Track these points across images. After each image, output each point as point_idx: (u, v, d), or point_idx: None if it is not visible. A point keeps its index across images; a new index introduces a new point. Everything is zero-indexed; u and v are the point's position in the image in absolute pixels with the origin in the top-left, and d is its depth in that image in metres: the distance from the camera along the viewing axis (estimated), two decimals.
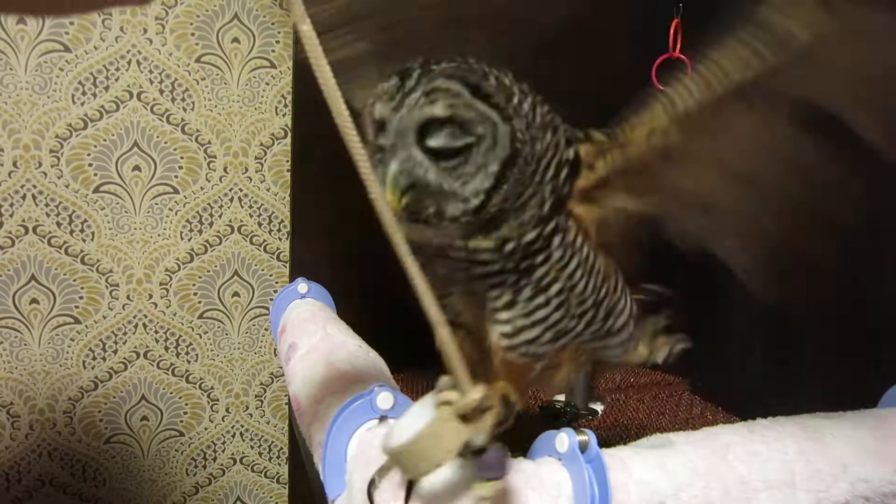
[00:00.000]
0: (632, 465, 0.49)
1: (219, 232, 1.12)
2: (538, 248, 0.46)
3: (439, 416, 0.38)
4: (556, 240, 0.46)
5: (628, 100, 1.18)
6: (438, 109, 0.41)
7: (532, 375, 0.53)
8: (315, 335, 0.81)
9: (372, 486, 0.45)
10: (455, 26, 1.08)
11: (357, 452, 0.52)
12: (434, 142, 0.42)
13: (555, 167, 0.45)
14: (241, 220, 1.12)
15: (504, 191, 0.43)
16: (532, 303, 0.48)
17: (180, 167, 1.08)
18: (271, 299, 1.15)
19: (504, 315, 0.49)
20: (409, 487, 0.43)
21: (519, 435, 0.85)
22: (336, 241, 1.05)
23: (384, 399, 0.50)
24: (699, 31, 1.07)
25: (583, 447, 0.46)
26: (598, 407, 0.99)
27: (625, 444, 0.55)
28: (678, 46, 1.09)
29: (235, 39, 1.07)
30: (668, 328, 0.65)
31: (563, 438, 0.47)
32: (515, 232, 0.45)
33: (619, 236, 0.50)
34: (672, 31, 1.08)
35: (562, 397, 1.00)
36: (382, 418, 0.52)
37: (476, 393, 0.38)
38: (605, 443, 0.49)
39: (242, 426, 1.18)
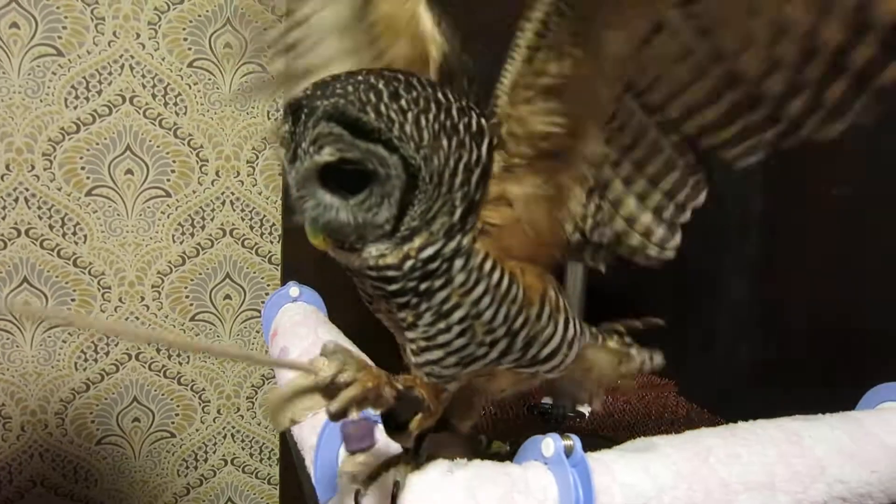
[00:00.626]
0: (616, 468, 0.50)
1: (210, 235, 1.12)
2: (438, 270, 0.45)
3: (298, 381, 0.39)
4: (458, 262, 0.45)
5: None
6: (327, 156, 0.41)
7: (445, 395, 0.51)
8: (307, 339, 0.82)
9: (359, 494, 0.46)
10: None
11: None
12: (334, 183, 0.43)
13: (463, 171, 0.44)
14: (233, 224, 1.13)
15: (412, 211, 0.44)
16: (433, 327, 0.47)
17: (172, 171, 1.09)
18: (262, 302, 1.16)
19: (409, 335, 0.48)
20: (394, 495, 0.44)
21: (509, 436, 0.86)
22: None
23: None
24: None
25: (568, 451, 0.47)
26: (586, 409, 1.01)
27: (611, 447, 0.57)
28: None
29: (227, 45, 1.08)
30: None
31: (549, 443, 0.48)
32: (418, 244, 0.44)
33: (544, 243, 0.48)
34: None
35: (550, 399, 1.02)
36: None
37: (327, 371, 0.39)
38: (591, 445, 0.51)
39: (234, 427, 1.19)
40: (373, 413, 0.42)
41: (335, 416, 0.39)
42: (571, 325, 0.51)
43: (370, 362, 0.42)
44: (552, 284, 0.50)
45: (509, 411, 0.98)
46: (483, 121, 0.46)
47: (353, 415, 0.40)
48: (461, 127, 0.44)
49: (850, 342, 0.84)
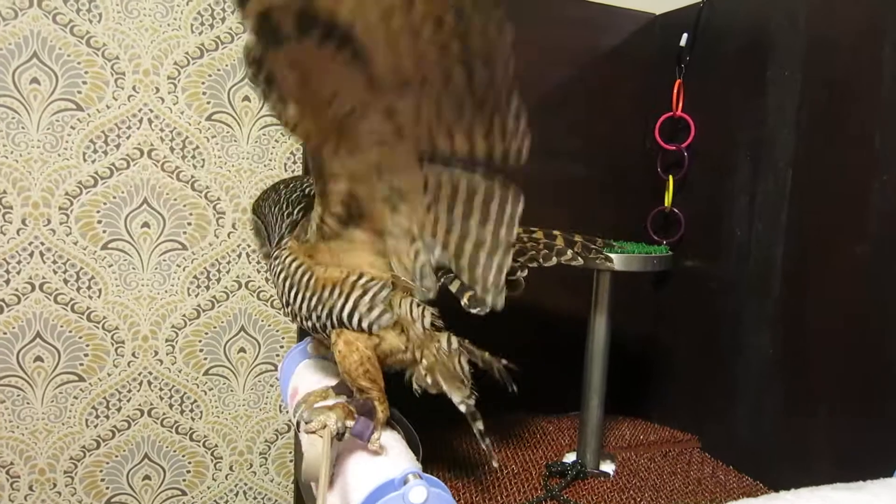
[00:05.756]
0: None
1: (226, 288, 1.11)
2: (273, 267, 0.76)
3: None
4: (275, 261, 0.75)
5: (629, 157, 1.19)
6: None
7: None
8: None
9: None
10: None
11: None
12: None
13: (277, 225, 0.79)
14: (249, 276, 1.12)
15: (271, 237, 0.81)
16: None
17: (189, 224, 1.08)
18: (277, 355, 1.15)
19: None
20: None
21: (529, 495, 0.84)
22: None
23: (417, 494, 0.50)
24: (700, 92, 1.09)
25: None
26: (610, 468, 0.98)
27: None
28: (680, 106, 1.11)
29: (246, 98, 1.08)
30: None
31: None
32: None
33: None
34: (675, 91, 1.10)
35: (572, 457, 0.99)
36: None
37: (332, 427, 0.61)
38: None
39: (246, 485, 1.16)
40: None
41: (340, 435, 0.63)
42: (366, 296, 0.70)
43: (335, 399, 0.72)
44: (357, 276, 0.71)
45: (531, 470, 0.96)
46: (297, 208, 0.78)
47: (350, 423, 0.63)
48: (284, 206, 0.79)
49: (883, 397, 0.82)
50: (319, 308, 0.70)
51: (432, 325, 0.73)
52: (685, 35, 1.09)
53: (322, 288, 0.70)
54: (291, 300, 0.72)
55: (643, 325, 1.16)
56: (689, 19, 1.11)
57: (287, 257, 0.73)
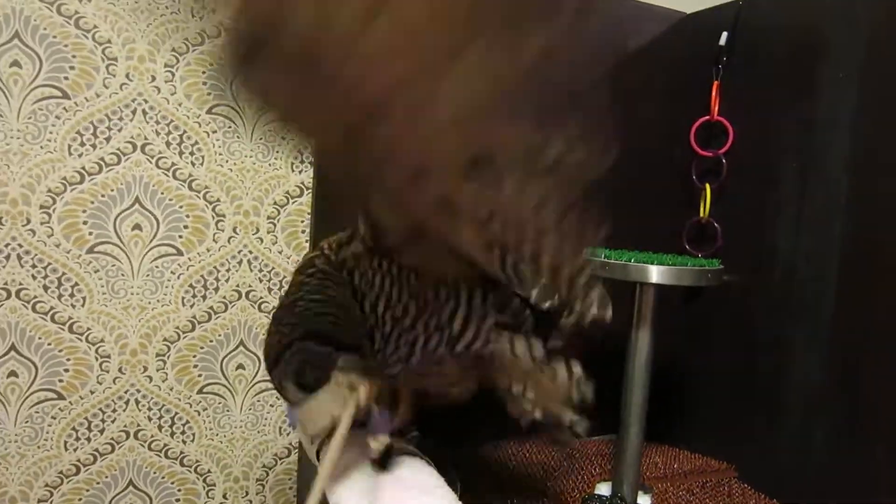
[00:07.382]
0: None
1: (224, 297, 1.01)
2: None
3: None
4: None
5: (658, 164, 1.11)
6: None
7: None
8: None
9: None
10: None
11: None
12: None
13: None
14: (250, 285, 1.02)
15: None
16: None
17: (185, 227, 0.98)
18: None
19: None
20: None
21: None
22: None
23: None
24: (740, 95, 1.02)
25: None
26: (647, 501, 0.90)
27: None
28: (716, 109, 1.04)
29: None
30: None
31: None
32: None
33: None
34: (713, 93, 1.03)
35: (607, 489, 0.91)
36: None
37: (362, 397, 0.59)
38: None
39: None
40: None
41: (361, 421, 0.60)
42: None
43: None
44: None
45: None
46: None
47: (375, 411, 0.61)
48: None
49: None
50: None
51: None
52: (725, 34, 1.03)
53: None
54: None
55: (673, 344, 1.08)
56: (726, 17, 1.04)
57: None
